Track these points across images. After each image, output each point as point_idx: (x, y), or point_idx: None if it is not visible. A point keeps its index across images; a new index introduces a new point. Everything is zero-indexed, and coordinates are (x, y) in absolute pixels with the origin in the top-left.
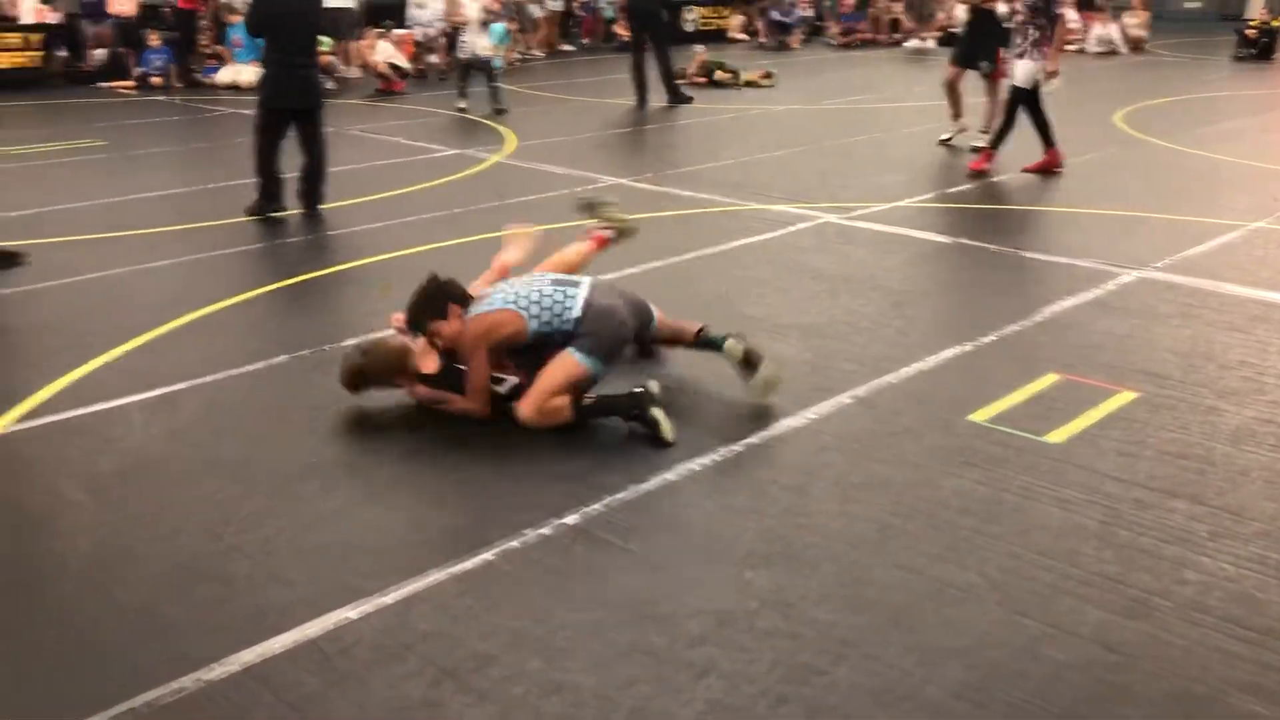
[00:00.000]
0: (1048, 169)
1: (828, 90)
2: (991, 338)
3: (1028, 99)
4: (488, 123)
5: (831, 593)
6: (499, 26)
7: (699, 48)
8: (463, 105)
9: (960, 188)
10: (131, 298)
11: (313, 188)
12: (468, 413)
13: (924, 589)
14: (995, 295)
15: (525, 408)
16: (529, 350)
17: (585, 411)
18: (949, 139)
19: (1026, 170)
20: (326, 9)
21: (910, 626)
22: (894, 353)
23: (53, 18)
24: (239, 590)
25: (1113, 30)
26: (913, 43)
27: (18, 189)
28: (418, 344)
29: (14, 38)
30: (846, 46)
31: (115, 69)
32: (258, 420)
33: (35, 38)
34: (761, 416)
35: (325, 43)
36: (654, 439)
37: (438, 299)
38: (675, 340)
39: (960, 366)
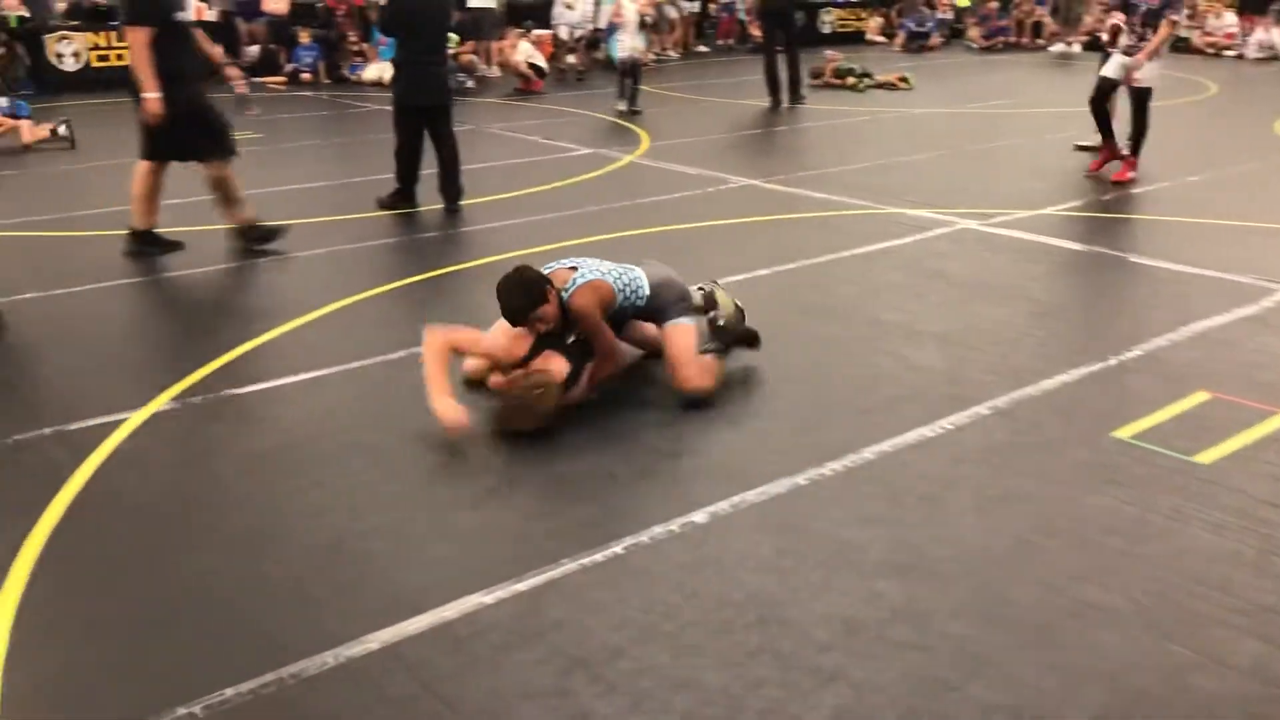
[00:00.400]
0: (1107, 163)
1: (968, 94)
2: (1137, 352)
3: (1138, 97)
4: (623, 123)
5: (967, 607)
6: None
7: (829, 52)
8: (623, 107)
9: (1106, 196)
10: (284, 285)
11: (449, 182)
12: (612, 374)
13: (1065, 608)
14: (1142, 308)
15: (693, 378)
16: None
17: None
18: (1086, 146)
19: (1115, 182)
20: (469, 9)
21: (1049, 646)
22: (1034, 364)
23: (210, 15)
24: (378, 570)
25: (1275, 35)
26: (1058, 47)
27: (179, 179)
28: (539, 362)
29: None
30: (988, 50)
31: (268, 65)
32: (400, 406)
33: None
34: (894, 425)
35: (453, 40)
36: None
37: (539, 285)
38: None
39: (1104, 380)
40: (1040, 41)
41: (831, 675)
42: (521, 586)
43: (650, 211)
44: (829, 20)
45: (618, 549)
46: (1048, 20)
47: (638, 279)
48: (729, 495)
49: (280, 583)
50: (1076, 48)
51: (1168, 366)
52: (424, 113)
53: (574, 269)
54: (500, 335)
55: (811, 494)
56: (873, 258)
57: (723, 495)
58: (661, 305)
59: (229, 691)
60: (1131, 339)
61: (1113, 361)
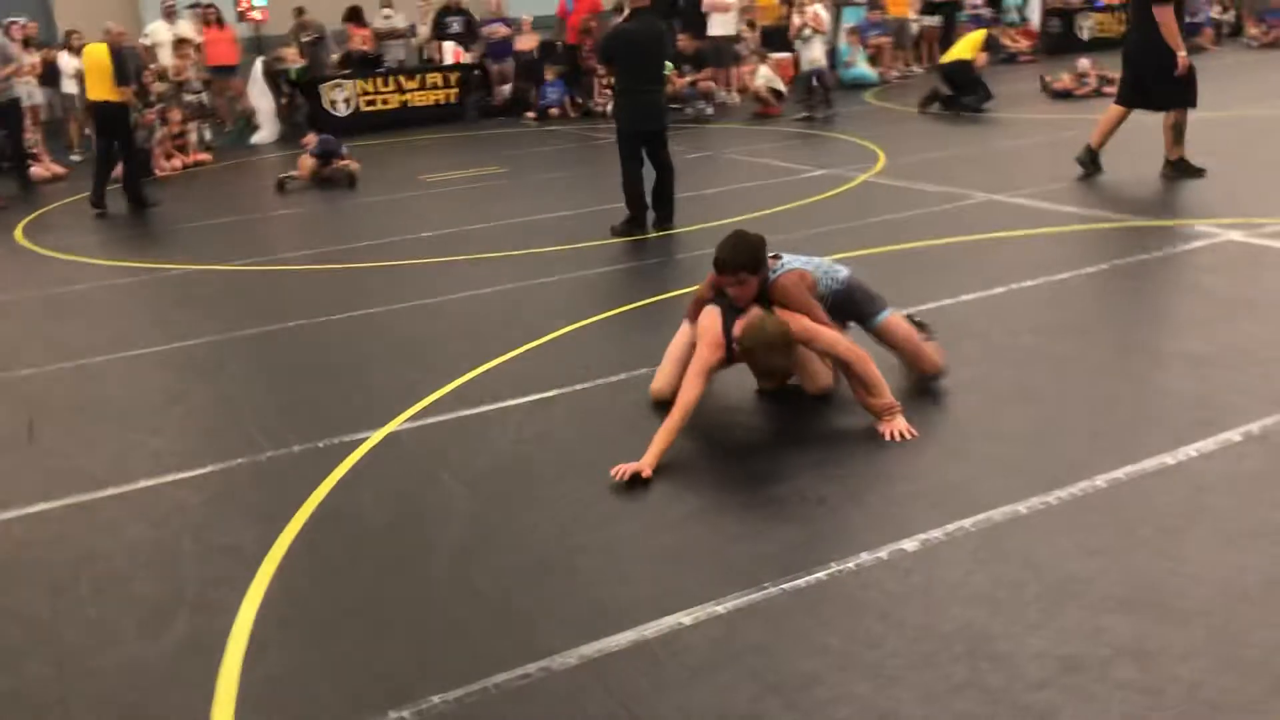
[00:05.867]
0: None
1: (1242, 96)
2: None
3: None
4: (862, 142)
5: (1201, 649)
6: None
7: (1082, 60)
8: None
9: None
10: (519, 310)
11: (662, 203)
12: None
13: None
14: None
15: (936, 359)
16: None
17: None
18: None
19: None
20: (710, 37)
21: None
22: None
23: (467, 58)
24: (583, 586)
25: None
26: None
27: (432, 212)
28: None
29: (437, 77)
30: (1270, 46)
31: (519, 102)
32: (617, 426)
33: (454, 77)
34: (1131, 451)
35: (669, 69)
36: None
37: (761, 251)
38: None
39: None
40: None
41: (1042, 714)
42: (720, 609)
43: (881, 231)
44: (1086, 26)
45: (821, 575)
46: None
47: (832, 266)
48: (943, 523)
49: (489, 595)
50: None
51: None
52: (644, 138)
53: (776, 257)
54: (682, 349)
55: (1034, 523)
56: (1122, 273)
57: (936, 523)
58: (861, 298)
59: (436, 699)
60: None
61: None
